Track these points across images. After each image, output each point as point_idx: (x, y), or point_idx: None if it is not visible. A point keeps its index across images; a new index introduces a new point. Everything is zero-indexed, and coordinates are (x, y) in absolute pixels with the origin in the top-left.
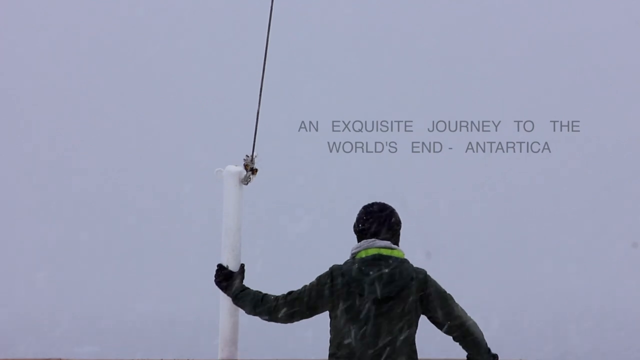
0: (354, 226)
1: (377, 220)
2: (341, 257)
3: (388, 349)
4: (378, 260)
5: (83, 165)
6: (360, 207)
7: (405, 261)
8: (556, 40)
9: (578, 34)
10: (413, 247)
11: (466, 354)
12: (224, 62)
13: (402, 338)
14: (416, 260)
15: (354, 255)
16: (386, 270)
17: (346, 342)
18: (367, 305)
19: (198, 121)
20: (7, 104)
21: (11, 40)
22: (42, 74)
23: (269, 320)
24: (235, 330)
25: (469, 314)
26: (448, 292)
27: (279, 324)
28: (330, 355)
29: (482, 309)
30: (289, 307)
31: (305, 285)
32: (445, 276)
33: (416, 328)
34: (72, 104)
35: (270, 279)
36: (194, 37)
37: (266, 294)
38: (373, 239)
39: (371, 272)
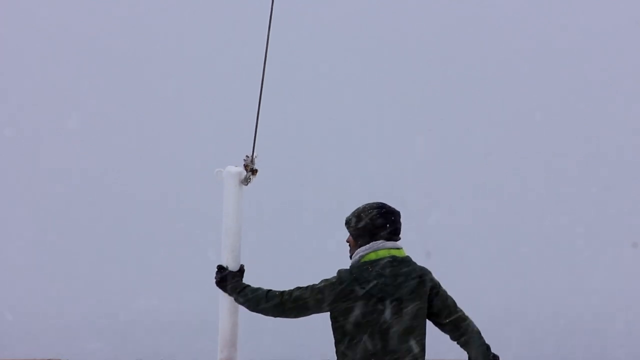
0: (363, 225)
1: (390, 221)
2: (339, 257)
3: (408, 348)
4: (391, 261)
5: (83, 165)
6: (359, 207)
7: (412, 260)
8: (557, 39)
9: (578, 33)
10: (413, 247)
11: (467, 355)
12: (224, 62)
13: (419, 336)
14: (416, 260)
15: (361, 257)
16: (400, 270)
17: (362, 343)
18: (383, 306)
19: (198, 121)
20: (7, 103)
21: (11, 40)
22: (42, 74)
23: (273, 316)
24: (235, 331)
25: (468, 315)
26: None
27: (278, 320)
28: (342, 358)
29: (482, 309)
30: (294, 306)
31: (313, 285)
32: (445, 276)
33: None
34: (72, 104)
35: (269, 278)
36: (194, 37)
37: (270, 290)
38: (382, 241)
39: (387, 273)
